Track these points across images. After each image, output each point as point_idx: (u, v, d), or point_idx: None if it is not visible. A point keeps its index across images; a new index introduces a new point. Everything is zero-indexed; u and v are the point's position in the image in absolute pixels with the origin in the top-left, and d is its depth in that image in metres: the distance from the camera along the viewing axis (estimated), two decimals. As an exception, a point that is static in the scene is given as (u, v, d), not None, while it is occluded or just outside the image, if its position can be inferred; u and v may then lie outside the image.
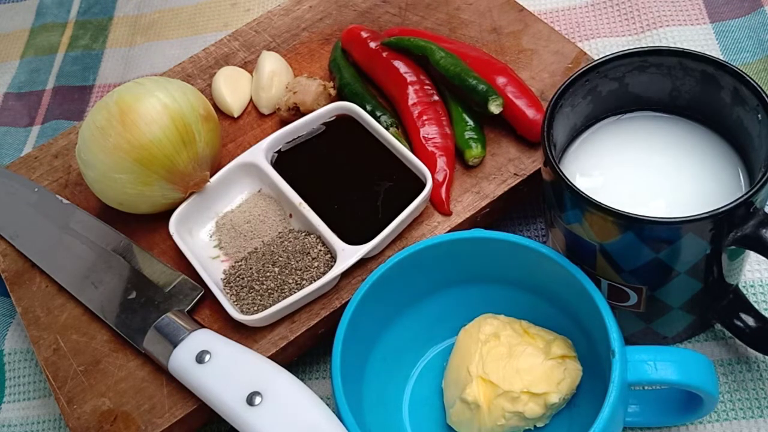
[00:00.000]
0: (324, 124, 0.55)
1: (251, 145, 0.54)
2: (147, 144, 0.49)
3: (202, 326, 0.46)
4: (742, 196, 0.37)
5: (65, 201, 0.56)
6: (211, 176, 0.53)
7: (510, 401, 0.42)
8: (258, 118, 0.60)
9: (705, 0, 0.64)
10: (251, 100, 0.61)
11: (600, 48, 0.64)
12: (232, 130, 0.59)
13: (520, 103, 0.52)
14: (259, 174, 0.53)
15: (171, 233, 0.50)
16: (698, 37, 0.62)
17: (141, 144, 0.49)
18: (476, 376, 0.43)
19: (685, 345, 0.48)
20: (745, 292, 0.47)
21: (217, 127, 0.53)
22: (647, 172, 0.44)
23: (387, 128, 0.53)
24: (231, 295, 0.49)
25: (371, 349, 0.46)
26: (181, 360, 0.44)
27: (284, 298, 0.47)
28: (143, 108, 0.49)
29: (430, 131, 0.53)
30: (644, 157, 0.44)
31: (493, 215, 0.51)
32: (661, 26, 0.63)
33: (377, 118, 0.54)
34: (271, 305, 0.47)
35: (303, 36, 0.64)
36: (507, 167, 0.52)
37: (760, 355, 0.47)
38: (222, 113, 0.60)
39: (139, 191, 0.50)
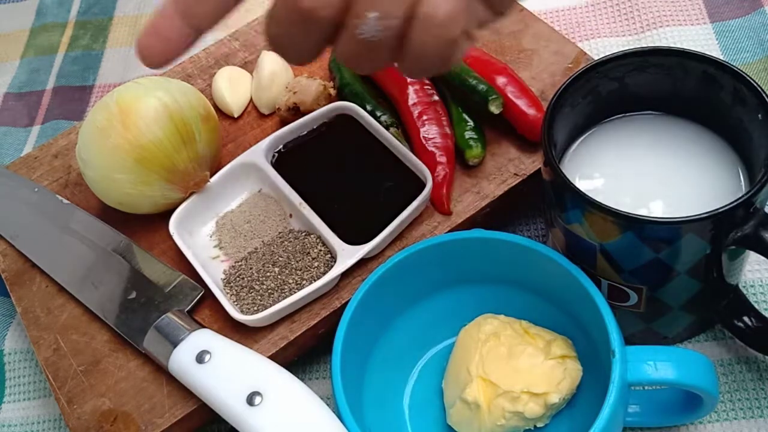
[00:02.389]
0: (324, 124, 0.55)
1: (251, 145, 0.54)
2: (147, 144, 0.49)
3: (202, 326, 0.46)
4: (742, 196, 0.37)
5: (65, 201, 0.56)
6: (211, 176, 0.52)
7: (510, 401, 0.42)
8: (258, 118, 0.60)
9: (705, 0, 0.64)
10: (251, 100, 0.61)
11: (600, 48, 0.63)
12: (232, 130, 0.59)
13: (520, 103, 0.52)
14: (259, 174, 0.53)
15: (171, 233, 0.50)
16: (698, 37, 0.62)
17: (141, 144, 0.49)
18: (476, 376, 0.43)
19: (685, 345, 0.48)
20: (745, 292, 0.47)
21: (217, 127, 0.53)
22: (647, 172, 0.44)
23: (387, 128, 0.53)
24: (231, 295, 0.49)
25: (371, 349, 0.46)
26: (181, 360, 0.44)
27: (284, 298, 0.47)
28: (143, 108, 0.49)
29: (430, 131, 0.53)
30: (644, 157, 0.44)
31: (493, 215, 0.51)
32: (661, 26, 0.63)
33: (377, 118, 0.54)
34: (271, 305, 0.47)
35: (303, 36, 0.63)
36: (507, 167, 0.51)
37: (760, 355, 0.47)
38: (222, 113, 0.60)
39: (139, 191, 0.50)
